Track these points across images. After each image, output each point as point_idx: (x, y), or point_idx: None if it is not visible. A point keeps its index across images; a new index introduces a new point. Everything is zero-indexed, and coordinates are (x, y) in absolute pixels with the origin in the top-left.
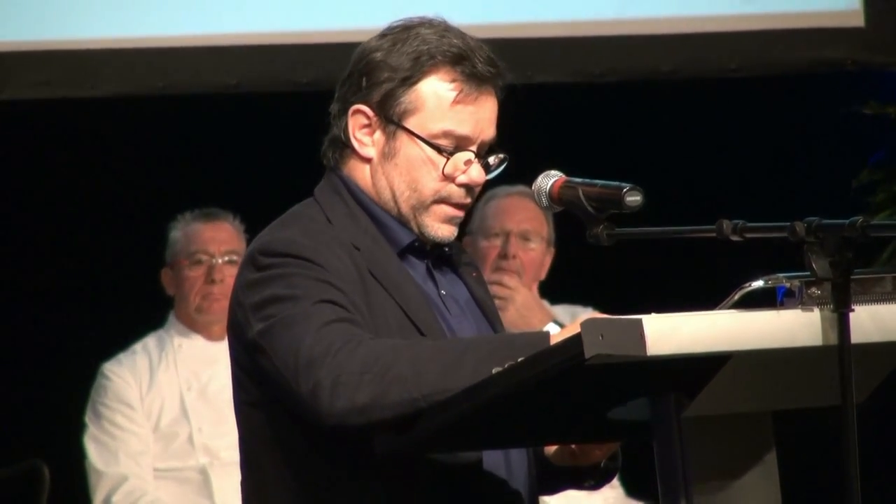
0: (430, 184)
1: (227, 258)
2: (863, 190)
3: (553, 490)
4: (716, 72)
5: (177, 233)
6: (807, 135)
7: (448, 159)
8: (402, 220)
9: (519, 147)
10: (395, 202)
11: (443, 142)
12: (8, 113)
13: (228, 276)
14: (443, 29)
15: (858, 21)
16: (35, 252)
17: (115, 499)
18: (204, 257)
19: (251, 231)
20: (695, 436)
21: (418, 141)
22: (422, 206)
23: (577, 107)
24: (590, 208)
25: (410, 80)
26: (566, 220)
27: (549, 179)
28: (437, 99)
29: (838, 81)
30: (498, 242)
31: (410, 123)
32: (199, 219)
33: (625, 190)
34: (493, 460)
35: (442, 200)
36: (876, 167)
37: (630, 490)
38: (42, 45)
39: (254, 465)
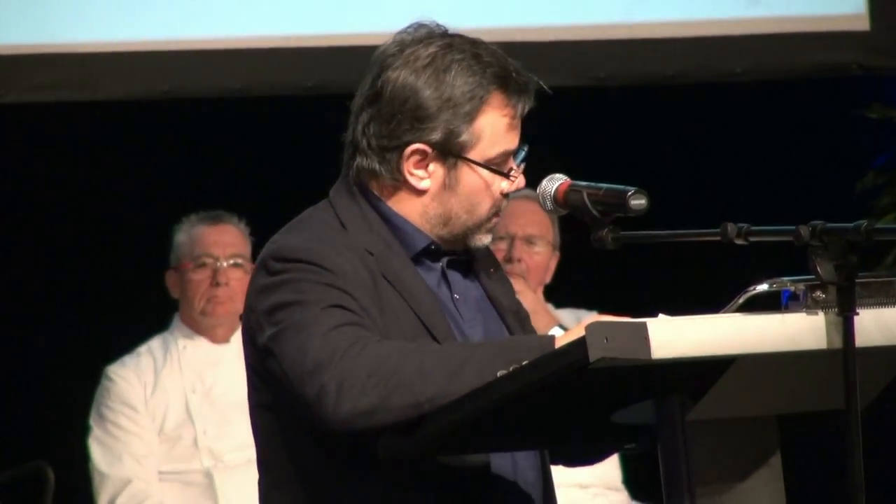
0: (488, 204)
1: (231, 261)
2: (867, 194)
3: (598, 458)
4: (721, 75)
5: (182, 235)
6: (811, 138)
7: (507, 177)
8: (448, 240)
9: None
10: (447, 226)
11: (500, 163)
12: (12, 116)
13: (233, 279)
14: (471, 50)
15: (864, 25)
16: (39, 255)
17: (119, 501)
18: (209, 260)
19: (256, 234)
20: (699, 439)
21: (479, 169)
22: (478, 226)
23: (582, 110)
24: (595, 212)
25: (470, 115)
26: (571, 223)
27: (554, 183)
28: (493, 127)
29: (843, 85)
30: (503, 246)
31: (472, 154)
32: (204, 221)
33: (629, 193)
34: (500, 462)
35: (494, 215)
36: (880, 171)
37: (634, 493)
38: (46, 49)
39: (268, 466)
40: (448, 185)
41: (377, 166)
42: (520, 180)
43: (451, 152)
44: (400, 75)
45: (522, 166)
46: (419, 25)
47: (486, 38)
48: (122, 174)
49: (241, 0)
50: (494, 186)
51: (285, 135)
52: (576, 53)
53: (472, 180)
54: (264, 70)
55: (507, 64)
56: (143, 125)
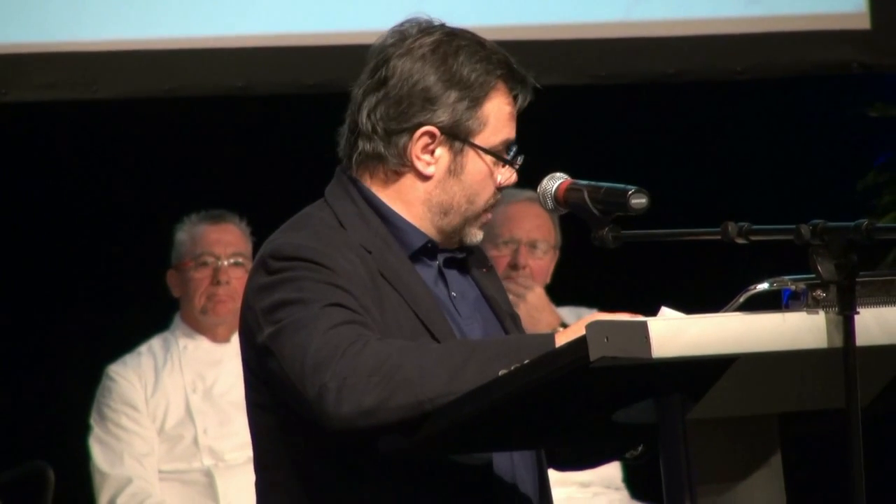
0: (486, 194)
1: (232, 260)
2: (868, 192)
3: (593, 464)
4: (721, 74)
5: (183, 234)
6: (812, 137)
7: (511, 165)
8: (446, 232)
9: (524, 149)
10: (448, 216)
11: (502, 151)
12: (14, 115)
13: (234, 277)
14: (474, 38)
15: (864, 23)
16: (40, 254)
17: (119, 501)
18: (210, 259)
19: (257, 233)
20: (700, 438)
21: (484, 156)
22: (474, 217)
23: (582, 109)
24: (595, 211)
25: (478, 100)
26: (571, 221)
27: (555, 182)
28: (498, 113)
29: (844, 84)
30: (507, 251)
31: (478, 140)
32: (205, 220)
33: (630, 192)
34: (498, 463)
35: (490, 208)
36: (881, 169)
37: (635, 492)
38: (47, 48)
39: (265, 467)
40: (453, 171)
41: (383, 150)
42: (512, 176)
43: (458, 137)
44: (406, 62)
45: (519, 160)
46: (414, 20)
47: (485, 35)
48: (123, 173)
49: None
50: (497, 176)
51: (287, 134)
52: (576, 52)
53: (477, 167)
54: (266, 69)
55: (508, 56)
56: (144, 124)
